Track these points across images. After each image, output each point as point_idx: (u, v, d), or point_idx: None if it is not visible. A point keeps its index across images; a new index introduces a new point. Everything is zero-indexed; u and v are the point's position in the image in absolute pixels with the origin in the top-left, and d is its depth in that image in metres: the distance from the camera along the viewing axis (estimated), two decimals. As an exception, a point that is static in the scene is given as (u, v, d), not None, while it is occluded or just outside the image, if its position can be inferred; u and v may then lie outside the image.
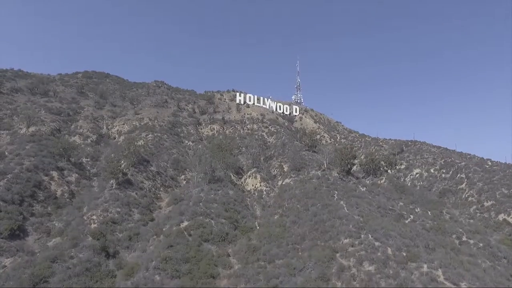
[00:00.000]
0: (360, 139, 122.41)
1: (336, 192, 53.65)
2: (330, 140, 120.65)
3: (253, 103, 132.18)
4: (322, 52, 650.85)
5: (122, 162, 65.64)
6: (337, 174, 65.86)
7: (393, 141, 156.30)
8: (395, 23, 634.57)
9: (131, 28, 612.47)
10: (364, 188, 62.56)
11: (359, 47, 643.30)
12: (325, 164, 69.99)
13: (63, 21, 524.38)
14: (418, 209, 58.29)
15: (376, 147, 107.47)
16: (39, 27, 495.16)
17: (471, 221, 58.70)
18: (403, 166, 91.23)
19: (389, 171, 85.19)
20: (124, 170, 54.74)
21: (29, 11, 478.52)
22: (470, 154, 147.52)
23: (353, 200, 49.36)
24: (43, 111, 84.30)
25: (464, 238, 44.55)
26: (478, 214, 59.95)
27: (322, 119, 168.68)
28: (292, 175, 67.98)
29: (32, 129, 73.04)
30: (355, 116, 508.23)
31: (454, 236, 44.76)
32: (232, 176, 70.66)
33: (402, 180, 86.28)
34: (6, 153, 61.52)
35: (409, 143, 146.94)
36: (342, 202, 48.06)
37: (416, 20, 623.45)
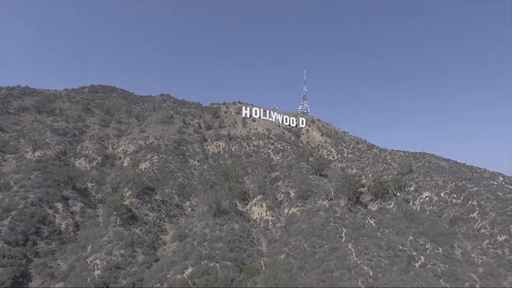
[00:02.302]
0: (367, 154, 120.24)
1: (344, 230, 52.30)
2: (337, 156, 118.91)
3: (259, 117, 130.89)
4: (329, 60, 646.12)
5: (126, 190, 65.31)
6: (345, 204, 64.50)
7: (401, 152, 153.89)
8: (405, 30, 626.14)
9: (137, 39, 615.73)
10: (373, 221, 61.11)
11: (366, 55, 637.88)
12: (332, 192, 68.66)
13: (69, 32, 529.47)
14: (429, 245, 56.73)
15: (384, 165, 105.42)
16: (46, 41, 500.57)
17: (484, 257, 56.93)
18: (412, 188, 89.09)
19: (398, 193, 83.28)
20: (128, 206, 53.96)
21: (35, 22, 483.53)
22: (480, 168, 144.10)
23: (361, 242, 47.99)
24: (49, 133, 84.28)
25: (477, 286, 42.95)
26: (492, 250, 57.94)
27: (329, 129, 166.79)
28: (298, 203, 66.78)
29: (37, 153, 72.99)
30: (362, 124, 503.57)
31: (467, 284, 43.16)
32: (238, 203, 69.72)
33: (411, 203, 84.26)
34: (12, 183, 61.46)
35: (418, 156, 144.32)
36: (350, 246, 46.73)
37: (428, 30, 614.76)
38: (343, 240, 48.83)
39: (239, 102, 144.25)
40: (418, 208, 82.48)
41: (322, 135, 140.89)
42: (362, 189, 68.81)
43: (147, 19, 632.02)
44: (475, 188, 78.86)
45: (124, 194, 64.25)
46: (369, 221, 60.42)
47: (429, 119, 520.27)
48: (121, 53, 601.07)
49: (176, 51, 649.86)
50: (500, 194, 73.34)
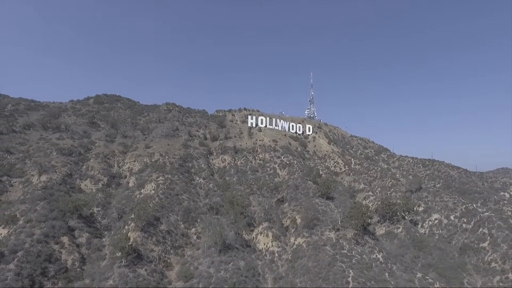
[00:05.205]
0: (375, 167, 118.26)
1: (351, 272, 51.44)
2: (345, 167, 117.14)
3: (265, 126, 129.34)
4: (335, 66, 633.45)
5: (131, 219, 64.95)
6: (352, 236, 63.48)
7: (409, 158, 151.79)
8: (414, 35, 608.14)
9: (142, 48, 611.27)
10: (381, 255, 60.06)
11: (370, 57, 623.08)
12: (339, 221, 67.67)
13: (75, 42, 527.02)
14: (438, 284, 55.68)
15: (392, 181, 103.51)
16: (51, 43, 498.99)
17: (495, 297, 55.76)
18: (421, 209, 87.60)
19: (406, 216, 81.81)
20: (133, 245, 53.65)
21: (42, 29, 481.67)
22: (492, 178, 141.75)
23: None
24: (54, 153, 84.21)
25: None
26: (502, 289, 56.80)
27: (336, 134, 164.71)
28: (305, 233, 66.01)
29: (43, 178, 73.07)
30: (370, 125, 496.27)
31: None
32: (244, 232, 69.07)
33: (419, 225, 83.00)
34: (18, 215, 61.62)
35: (427, 163, 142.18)
36: (357, 295, 45.89)
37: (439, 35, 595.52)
38: (350, 287, 47.99)
39: (245, 109, 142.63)
40: (426, 231, 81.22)
41: (329, 142, 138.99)
42: (370, 221, 67.29)
43: (151, 23, 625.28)
44: (487, 213, 76.99)
45: (129, 223, 64.17)
46: (376, 256, 59.41)
47: (440, 122, 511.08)
48: (128, 64, 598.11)
49: (182, 56, 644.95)
50: (512, 222, 71.41)
